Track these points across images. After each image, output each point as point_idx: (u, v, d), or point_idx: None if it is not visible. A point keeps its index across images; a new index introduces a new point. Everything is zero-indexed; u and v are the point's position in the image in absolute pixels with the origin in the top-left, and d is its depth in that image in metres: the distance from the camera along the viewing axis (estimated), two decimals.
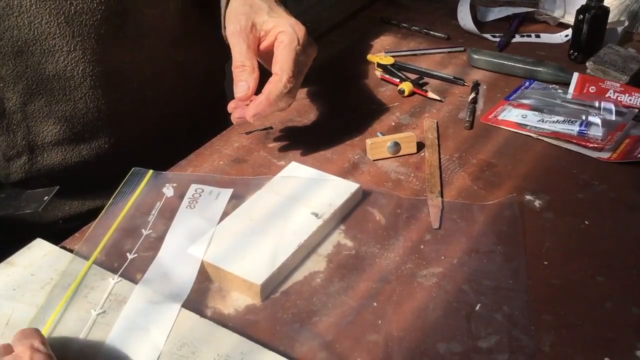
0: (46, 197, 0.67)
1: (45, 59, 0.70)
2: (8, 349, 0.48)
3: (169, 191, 0.71)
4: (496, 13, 1.10)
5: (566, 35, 1.03)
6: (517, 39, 1.04)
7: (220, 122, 0.97)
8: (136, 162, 0.78)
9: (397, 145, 0.77)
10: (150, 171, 0.73)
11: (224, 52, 0.93)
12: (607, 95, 0.86)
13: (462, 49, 1.01)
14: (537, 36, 1.05)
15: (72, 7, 0.69)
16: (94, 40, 0.72)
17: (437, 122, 0.84)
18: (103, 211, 0.68)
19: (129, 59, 0.77)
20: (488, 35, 1.04)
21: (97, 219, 0.68)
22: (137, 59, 0.78)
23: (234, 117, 0.75)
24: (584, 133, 0.79)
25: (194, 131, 0.88)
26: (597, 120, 0.80)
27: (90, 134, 0.77)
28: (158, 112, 0.84)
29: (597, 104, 0.84)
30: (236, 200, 0.70)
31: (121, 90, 0.77)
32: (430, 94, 0.89)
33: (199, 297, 0.59)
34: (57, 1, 0.68)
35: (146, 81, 0.80)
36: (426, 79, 0.94)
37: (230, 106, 0.75)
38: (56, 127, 0.74)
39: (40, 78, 0.71)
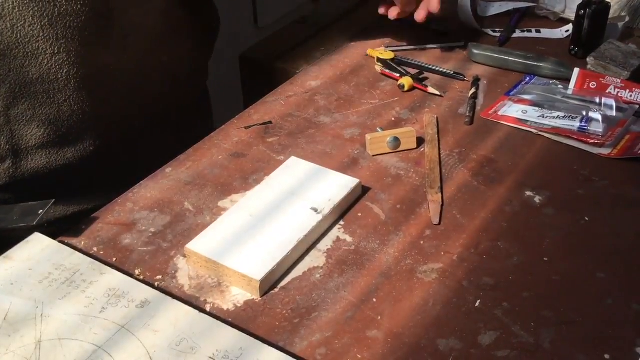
0: (40, 211, 0.66)
1: (29, 62, 0.69)
2: None
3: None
4: (497, 8, 1.10)
5: (567, 31, 1.02)
6: (518, 34, 1.04)
7: (204, 121, 0.96)
8: (121, 165, 0.78)
9: (396, 141, 0.77)
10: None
11: (206, 51, 0.93)
12: (607, 91, 0.85)
13: (462, 44, 1.00)
14: (538, 31, 1.04)
15: (57, 9, 0.68)
16: (79, 42, 0.71)
17: (437, 118, 0.83)
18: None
19: (114, 60, 0.76)
20: (489, 30, 1.04)
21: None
22: (122, 59, 0.77)
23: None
24: (585, 129, 0.79)
25: (179, 131, 0.88)
26: (597, 116, 0.80)
27: (75, 136, 0.76)
28: (143, 113, 0.83)
29: (597, 100, 0.83)
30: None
31: (106, 91, 0.76)
32: (430, 89, 0.88)
33: (198, 292, 0.59)
34: (41, 3, 0.67)
35: (131, 82, 0.79)
36: (426, 74, 0.93)
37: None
38: (40, 130, 0.73)
39: (24, 81, 0.70)
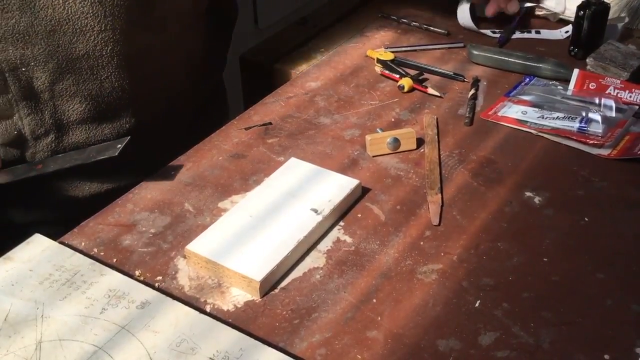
0: (119, 145, 0.70)
1: (77, 38, 0.71)
2: None
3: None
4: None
5: (566, 32, 1.02)
6: (517, 35, 1.03)
7: (220, 109, 0.99)
8: (151, 144, 0.81)
9: (396, 141, 0.77)
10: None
11: (225, 39, 0.97)
12: (607, 92, 0.85)
13: (462, 44, 1.01)
14: (537, 32, 1.04)
15: None
16: (124, 20, 0.73)
17: (436, 118, 0.83)
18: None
19: (152, 41, 0.79)
20: (488, 31, 1.04)
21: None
22: (158, 41, 0.80)
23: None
24: (584, 130, 0.79)
25: (198, 117, 0.91)
26: (597, 117, 0.80)
27: (113, 113, 0.79)
28: (170, 95, 0.86)
29: (597, 101, 0.83)
30: None
31: (143, 71, 0.80)
32: (430, 90, 0.89)
33: (198, 293, 0.59)
34: None
35: (164, 64, 0.83)
36: (426, 75, 0.93)
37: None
38: (82, 106, 0.76)
39: (70, 57, 0.72)
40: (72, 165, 0.72)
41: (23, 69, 0.71)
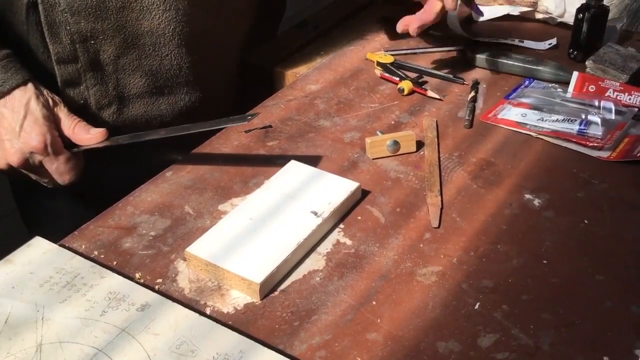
0: (250, 117, 0.73)
1: (143, 15, 0.76)
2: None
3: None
4: (492, 12, 1.09)
5: (550, 44, 1.02)
6: (500, 42, 1.02)
7: (263, 90, 1.04)
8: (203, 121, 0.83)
9: (396, 144, 0.77)
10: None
11: (273, 29, 1.05)
12: (606, 95, 0.86)
13: (461, 47, 1.01)
14: (521, 41, 1.03)
15: None
16: (187, 2, 0.78)
17: (436, 121, 0.84)
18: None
19: (210, 24, 0.84)
20: (480, 38, 1.03)
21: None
22: (216, 24, 0.85)
23: (399, 27, 0.90)
24: (584, 132, 0.79)
25: (246, 95, 0.96)
26: (596, 119, 0.80)
27: (170, 89, 0.84)
28: (222, 75, 0.90)
29: (596, 103, 0.83)
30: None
31: (200, 51, 0.84)
32: (430, 93, 0.89)
33: (198, 295, 0.60)
34: None
35: (219, 45, 0.87)
36: (426, 78, 0.94)
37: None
38: (142, 80, 0.81)
39: (136, 33, 0.77)
40: (195, 131, 0.74)
41: (92, 42, 0.76)
